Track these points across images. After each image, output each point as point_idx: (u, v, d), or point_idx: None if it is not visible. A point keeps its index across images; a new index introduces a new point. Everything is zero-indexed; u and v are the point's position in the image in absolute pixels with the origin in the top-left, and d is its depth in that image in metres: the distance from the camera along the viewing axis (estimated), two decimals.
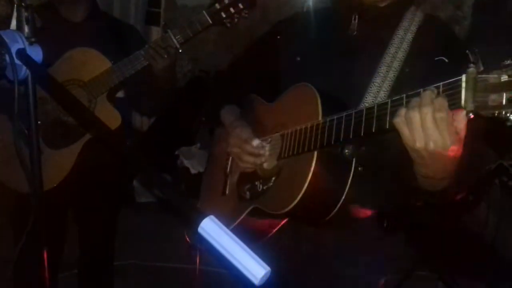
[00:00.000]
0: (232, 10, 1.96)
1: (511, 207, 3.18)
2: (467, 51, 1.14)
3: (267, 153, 1.52)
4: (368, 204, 1.41)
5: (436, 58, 1.34)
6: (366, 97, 1.36)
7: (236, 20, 1.98)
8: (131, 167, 2.81)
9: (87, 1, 2.17)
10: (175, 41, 2.02)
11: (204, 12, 1.99)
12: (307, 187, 1.28)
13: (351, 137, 1.21)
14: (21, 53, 1.18)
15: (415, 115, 1.03)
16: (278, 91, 1.56)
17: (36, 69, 1.19)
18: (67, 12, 2.21)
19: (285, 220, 1.47)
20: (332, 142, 1.26)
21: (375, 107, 1.15)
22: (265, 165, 1.52)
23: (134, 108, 2.76)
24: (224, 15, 1.97)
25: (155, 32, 4.99)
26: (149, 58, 2.04)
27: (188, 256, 1.85)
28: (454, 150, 1.04)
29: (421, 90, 1.05)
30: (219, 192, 1.68)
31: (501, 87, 0.90)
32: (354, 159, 1.30)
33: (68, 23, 2.22)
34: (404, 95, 1.09)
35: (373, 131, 1.15)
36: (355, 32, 1.43)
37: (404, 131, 1.05)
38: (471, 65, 0.97)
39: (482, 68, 0.97)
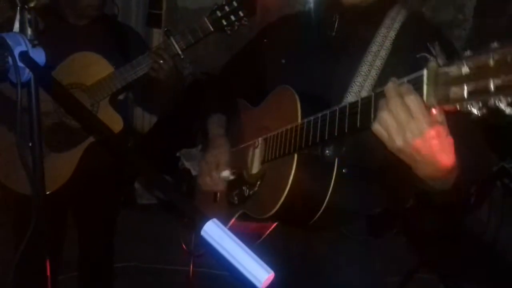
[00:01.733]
0: (233, 17, 1.99)
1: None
2: (428, 44, 1.12)
3: (251, 157, 1.52)
4: (355, 207, 1.38)
5: (418, 56, 1.32)
6: (347, 97, 1.33)
7: (236, 27, 2.01)
8: (132, 169, 2.82)
9: (94, 8, 2.17)
10: (177, 47, 2.04)
11: (205, 19, 2.02)
12: (289, 190, 1.28)
13: (326, 138, 1.20)
14: (24, 56, 1.17)
15: (385, 114, 0.98)
16: (263, 95, 1.56)
17: (39, 72, 1.19)
18: (72, 16, 2.22)
19: (274, 224, 1.46)
20: (310, 144, 1.25)
21: (347, 106, 1.13)
22: (251, 169, 1.52)
23: (142, 108, 2.77)
24: (225, 23, 2.00)
25: (156, 34, 4.99)
26: (151, 64, 2.06)
27: (189, 258, 1.86)
28: (433, 135, 0.96)
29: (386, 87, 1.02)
30: (211, 199, 1.68)
31: (461, 80, 0.87)
32: (336, 160, 1.28)
33: (71, 26, 2.22)
34: (373, 93, 1.06)
35: (346, 131, 1.13)
36: (334, 33, 1.42)
37: (383, 135, 1.01)
38: (432, 58, 0.94)
39: (444, 62, 0.92)
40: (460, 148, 1.05)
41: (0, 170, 2.17)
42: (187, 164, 4.95)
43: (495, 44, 0.83)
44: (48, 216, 1.28)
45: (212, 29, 2.02)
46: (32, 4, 1.22)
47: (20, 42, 1.18)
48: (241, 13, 1.99)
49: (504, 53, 0.81)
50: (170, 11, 5.15)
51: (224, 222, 1.53)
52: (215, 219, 0.81)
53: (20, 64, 1.17)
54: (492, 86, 0.82)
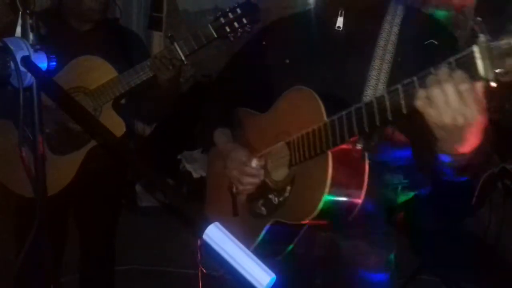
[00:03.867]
0: (236, 24, 1.99)
1: None
2: (472, 20, 1.14)
3: (271, 164, 1.48)
4: (380, 200, 1.40)
5: (425, 42, 1.35)
6: (366, 91, 1.36)
7: (239, 34, 2.01)
8: (134, 172, 2.82)
9: (96, 12, 2.18)
10: (180, 53, 2.04)
11: (209, 25, 2.02)
12: (329, 187, 1.26)
13: (367, 130, 1.20)
14: (26, 60, 1.18)
15: (438, 93, 1.02)
16: (270, 99, 1.54)
17: (41, 76, 1.19)
18: (75, 20, 2.22)
19: (303, 229, 1.42)
20: (346, 139, 1.25)
21: (386, 95, 1.13)
22: (275, 176, 1.48)
23: (134, 115, 2.77)
24: (228, 29, 2.01)
25: (157, 37, 5.01)
26: (155, 69, 2.07)
27: (191, 261, 1.85)
28: (482, 120, 1.03)
29: (431, 69, 1.04)
30: (229, 214, 1.62)
31: None
32: (366, 153, 1.30)
33: (74, 30, 2.23)
34: (415, 77, 1.08)
35: (390, 119, 1.14)
36: (342, 28, 1.43)
37: (429, 111, 1.04)
38: (481, 34, 0.95)
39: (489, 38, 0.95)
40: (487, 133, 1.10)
41: (2, 173, 2.18)
42: (188, 167, 4.96)
43: None
44: (50, 218, 1.28)
45: (215, 36, 2.03)
46: (34, 9, 1.22)
47: (22, 47, 1.18)
48: (244, 20, 1.99)
49: None
50: (171, 14, 5.16)
51: (253, 235, 1.49)
52: (217, 223, 0.81)
53: (22, 69, 1.17)
54: None
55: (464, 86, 0.99)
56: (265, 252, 1.45)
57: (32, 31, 1.22)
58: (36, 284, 1.44)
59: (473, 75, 0.98)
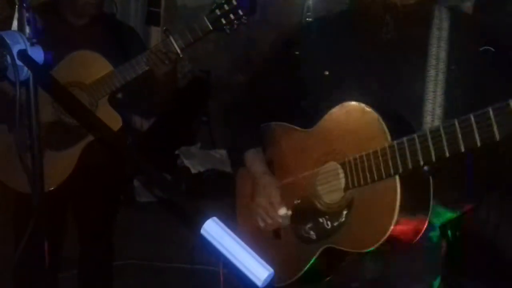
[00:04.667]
0: (232, 16, 1.98)
1: (510, 208, 3.18)
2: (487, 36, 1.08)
3: (320, 186, 1.39)
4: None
5: (481, 49, 1.26)
6: (426, 106, 1.27)
7: (235, 26, 2.00)
8: (131, 167, 2.81)
9: (92, 6, 2.17)
10: (176, 46, 2.03)
11: (204, 18, 2.00)
12: (398, 214, 1.18)
13: (433, 160, 1.12)
14: (23, 54, 1.17)
15: None
16: (306, 114, 1.45)
17: (38, 70, 1.19)
18: (71, 15, 2.21)
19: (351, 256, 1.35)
20: (414, 166, 1.16)
21: (472, 118, 1.04)
22: (326, 199, 1.38)
23: (131, 110, 2.76)
24: (224, 22, 1.99)
25: (155, 32, 4.99)
26: (150, 63, 2.06)
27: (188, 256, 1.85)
28: None
29: (510, 101, 0.97)
30: (269, 237, 1.53)
31: None
32: (431, 177, 1.21)
33: (70, 25, 2.22)
34: (471, 116, 1.03)
35: (478, 144, 1.05)
36: (390, 35, 1.31)
37: None
38: None
39: None
40: None
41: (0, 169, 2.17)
42: (186, 162, 4.95)
43: None
44: (47, 214, 1.28)
45: (211, 28, 2.01)
46: (30, 2, 1.21)
47: (19, 41, 1.18)
48: (240, 12, 1.97)
49: None
50: (169, 9, 5.15)
51: (301, 261, 1.41)
52: (215, 218, 0.81)
53: (19, 62, 1.16)
54: None
55: None
56: (312, 278, 1.41)
57: (28, 24, 1.22)
58: (35, 279, 1.44)
59: None
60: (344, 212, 1.31)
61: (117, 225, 2.53)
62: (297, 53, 1.49)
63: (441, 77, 1.27)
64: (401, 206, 1.19)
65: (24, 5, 1.21)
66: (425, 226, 1.24)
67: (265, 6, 4.49)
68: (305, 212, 1.42)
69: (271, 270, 0.77)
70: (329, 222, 1.35)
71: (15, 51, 1.16)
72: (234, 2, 1.97)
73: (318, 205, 1.39)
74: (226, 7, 1.97)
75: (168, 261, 3.42)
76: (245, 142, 1.62)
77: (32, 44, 1.20)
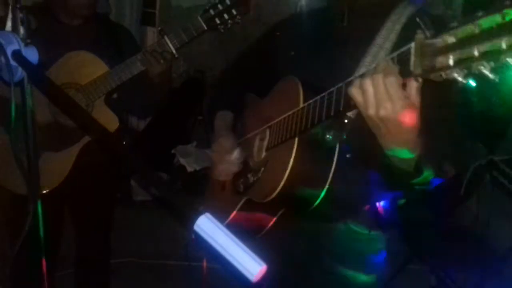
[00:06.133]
0: (226, 16, 1.99)
1: (501, 202, 3.21)
2: (417, 19, 1.12)
3: (255, 147, 1.57)
4: (360, 196, 1.42)
5: None
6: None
7: (229, 25, 2.01)
8: (127, 167, 2.82)
9: (85, 7, 2.17)
10: (171, 46, 2.04)
11: (199, 17, 2.02)
12: (289, 173, 1.29)
13: (323, 119, 1.22)
14: (17, 55, 1.17)
15: (368, 83, 1.05)
16: (272, 88, 1.58)
17: (32, 71, 1.19)
18: (64, 16, 2.21)
19: (280, 212, 1.47)
20: (309, 126, 1.27)
21: (343, 85, 1.15)
22: (256, 158, 1.56)
23: (126, 110, 2.77)
24: (218, 21, 2.00)
25: (150, 33, 5.00)
26: (145, 63, 2.07)
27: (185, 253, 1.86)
28: (406, 116, 1.03)
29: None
30: (219, 188, 1.72)
31: (447, 49, 0.89)
32: (337, 145, 1.30)
33: (64, 26, 2.21)
34: (367, 70, 1.10)
35: (341, 109, 1.17)
36: (345, 23, 1.44)
37: (358, 99, 1.07)
38: (419, 31, 0.96)
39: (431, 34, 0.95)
40: (434, 130, 1.11)
41: None
42: (182, 161, 4.95)
43: (480, 13, 0.85)
44: (45, 214, 1.29)
45: (205, 28, 2.03)
46: (24, 3, 1.22)
47: (13, 41, 1.18)
48: (234, 11, 1.99)
49: (488, 20, 0.83)
50: (164, 10, 5.16)
51: (228, 210, 1.57)
52: (207, 214, 0.82)
53: (13, 63, 1.17)
54: (476, 53, 0.84)
55: (390, 79, 1.01)
56: (240, 230, 1.45)
57: (22, 25, 1.22)
58: (32, 278, 1.44)
59: (406, 69, 0.99)
60: (262, 169, 1.49)
61: (114, 223, 2.54)
62: (278, 33, 1.65)
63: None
64: (294, 164, 1.30)
65: (18, 5, 1.21)
66: (323, 194, 1.30)
67: (260, 6, 4.51)
68: (243, 168, 1.61)
69: (264, 265, 0.78)
70: (252, 177, 1.54)
71: (9, 52, 1.16)
72: (228, 2, 1.98)
73: (250, 163, 1.59)
74: (220, 6, 1.99)
75: (164, 259, 3.43)
76: (217, 105, 1.78)
77: (26, 45, 1.21)
